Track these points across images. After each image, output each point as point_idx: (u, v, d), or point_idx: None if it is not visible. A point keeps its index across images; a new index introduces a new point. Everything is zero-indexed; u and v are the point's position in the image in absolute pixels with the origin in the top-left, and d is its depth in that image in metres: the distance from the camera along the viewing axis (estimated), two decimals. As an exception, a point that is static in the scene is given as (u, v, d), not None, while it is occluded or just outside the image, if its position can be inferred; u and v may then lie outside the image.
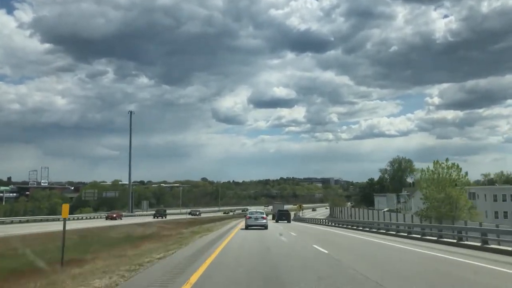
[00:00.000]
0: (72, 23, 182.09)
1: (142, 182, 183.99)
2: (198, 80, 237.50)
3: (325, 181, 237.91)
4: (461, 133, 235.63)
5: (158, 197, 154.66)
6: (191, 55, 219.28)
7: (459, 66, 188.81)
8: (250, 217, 32.38)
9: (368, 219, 43.59)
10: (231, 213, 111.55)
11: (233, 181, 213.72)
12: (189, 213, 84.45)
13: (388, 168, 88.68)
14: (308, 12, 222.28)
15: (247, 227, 31.21)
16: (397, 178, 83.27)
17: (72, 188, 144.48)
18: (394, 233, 24.00)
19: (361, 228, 32.67)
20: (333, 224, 44.91)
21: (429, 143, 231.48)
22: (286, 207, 75.85)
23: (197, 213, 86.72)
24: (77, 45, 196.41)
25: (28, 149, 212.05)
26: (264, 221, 31.67)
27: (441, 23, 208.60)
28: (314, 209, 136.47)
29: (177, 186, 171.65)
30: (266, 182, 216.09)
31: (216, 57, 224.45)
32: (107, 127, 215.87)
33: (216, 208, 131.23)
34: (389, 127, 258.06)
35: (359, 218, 47.82)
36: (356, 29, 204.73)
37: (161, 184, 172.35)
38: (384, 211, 45.96)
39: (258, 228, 30.45)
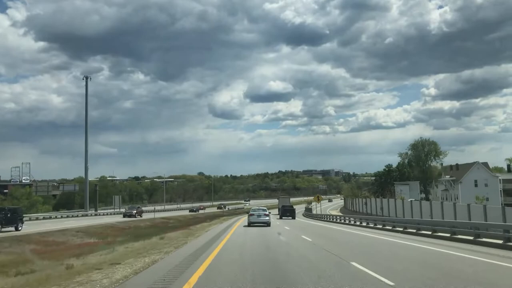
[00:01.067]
0: (66, 20, 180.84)
1: (136, 178, 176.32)
2: (193, 75, 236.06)
3: (325, 173, 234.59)
4: (458, 123, 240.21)
5: (151, 192, 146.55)
6: (186, 50, 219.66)
7: (454, 56, 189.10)
8: (252, 214, 32.06)
9: (402, 213, 34.91)
10: (201, 211, 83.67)
11: (231, 175, 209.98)
12: (124, 214, 58.37)
13: (409, 152, 78.28)
14: (303, 5, 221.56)
15: (250, 224, 30.94)
16: (420, 163, 74.88)
17: (57, 185, 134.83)
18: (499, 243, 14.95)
19: (398, 229, 24.36)
20: (354, 221, 35.98)
21: (426, 134, 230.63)
22: (291, 199, 68.32)
23: (134, 212, 56.96)
24: (72, 42, 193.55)
25: (23, 148, 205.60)
26: (267, 218, 31.31)
27: (436, 14, 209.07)
28: (330, 200, 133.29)
29: (170, 181, 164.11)
30: (265, 175, 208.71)
31: (211, 52, 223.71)
32: (104, 125, 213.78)
33: (209, 203, 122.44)
34: (386, 119, 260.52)
35: (389, 212, 39.14)
36: (351, 21, 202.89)
37: (154, 179, 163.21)
38: (411, 201, 37.17)
39: (260, 225, 29.95)
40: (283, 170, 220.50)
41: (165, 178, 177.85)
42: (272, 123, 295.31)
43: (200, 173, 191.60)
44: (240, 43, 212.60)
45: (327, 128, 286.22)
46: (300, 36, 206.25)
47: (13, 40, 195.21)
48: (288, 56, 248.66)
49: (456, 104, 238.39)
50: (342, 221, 40.20)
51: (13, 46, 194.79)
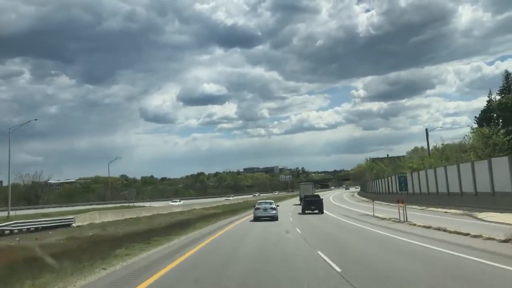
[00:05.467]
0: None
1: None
2: (123, 78, 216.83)
3: (268, 170, 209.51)
4: (386, 123, 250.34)
5: (38, 195, 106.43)
6: (114, 52, 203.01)
7: (381, 59, 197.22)
8: (258, 208, 30.54)
9: None
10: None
11: (162, 177, 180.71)
12: None
13: None
14: (234, 6, 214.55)
15: (256, 219, 29.68)
16: None
17: None
18: None
19: None
20: None
21: (356, 135, 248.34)
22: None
23: None
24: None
25: None
26: (274, 212, 29.89)
27: (364, 17, 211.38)
28: (347, 188, 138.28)
29: (67, 183, 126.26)
30: (199, 174, 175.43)
31: (141, 53, 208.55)
32: (27, 132, 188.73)
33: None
34: (318, 121, 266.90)
35: None
36: (282, 23, 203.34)
37: (48, 181, 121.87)
38: None
39: (267, 220, 28.79)
40: (221, 171, 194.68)
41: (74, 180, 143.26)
42: (207, 127, 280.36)
43: (123, 176, 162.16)
44: (171, 45, 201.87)
45: (262, 131, 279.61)
46: (232, 38, 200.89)
47: None
48: (222, 59, 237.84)
49: (384, 105, 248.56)
50: None
51: None
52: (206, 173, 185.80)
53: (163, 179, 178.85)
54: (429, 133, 50.98)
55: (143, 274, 9.73)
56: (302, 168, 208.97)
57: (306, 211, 38.47)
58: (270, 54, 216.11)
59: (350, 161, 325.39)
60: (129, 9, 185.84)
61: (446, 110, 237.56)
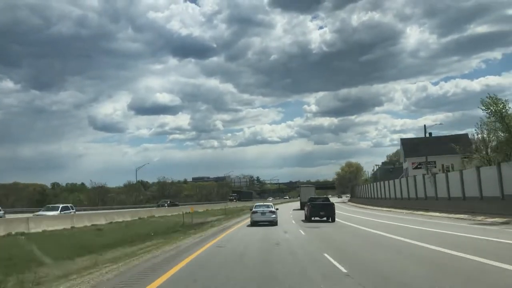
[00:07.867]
0: None
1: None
2: (72, 85, 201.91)
3: (219, 180, 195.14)
4: (336, 138, 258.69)
5: None
6: (63, 57, 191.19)
7: (333, 75, 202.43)
8: (256, 212, 28.90)
9: None
10: None
11: (103, 185, 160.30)
12: None
13: None
14: (189, 16, 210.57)
15: (254, 223, 28.34)
16: None
17: None
18: None
19: None
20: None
21: (308, 149, 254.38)
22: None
23: None
24: None
25: None
26: (273, 215, 28.27)
27: (317, 34, 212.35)
28: (339, 196, 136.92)
29: None
30: (139, 182, 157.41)
31: (92, 60, 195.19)
32: None
33: None
34: (271, 134, 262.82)
35: None
36: (237, 36, 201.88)
37: None
38: None
39: (265, 224, 27.46)
40: (169, 181, 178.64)
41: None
42: (159, 137, 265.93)
43: (54, 183, 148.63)
44: (123, 52, 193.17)
45: (215, 142, 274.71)
46: (187, 48, 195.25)
47: None
48: (176, 69, 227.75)
49: (334, 120, 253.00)
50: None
51: None
52: (151, 182, 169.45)
53: (102, 187, 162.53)
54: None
55: None
56: (257, 177, 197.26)
57: (313, 218, 32.44)
58: (225, 66, 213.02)
59: (302, 174, 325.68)
60: (80, 13, 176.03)
61: (393, 127, 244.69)
